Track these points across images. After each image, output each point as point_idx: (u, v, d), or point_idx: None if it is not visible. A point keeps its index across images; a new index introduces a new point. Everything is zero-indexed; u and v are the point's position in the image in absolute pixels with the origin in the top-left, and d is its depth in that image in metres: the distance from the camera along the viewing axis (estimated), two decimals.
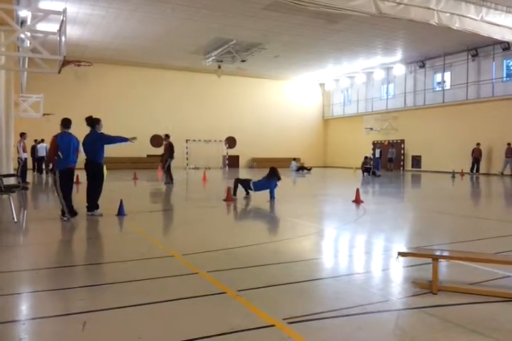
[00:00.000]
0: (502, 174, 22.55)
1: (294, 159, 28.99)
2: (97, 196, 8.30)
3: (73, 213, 7.85)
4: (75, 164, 7.99)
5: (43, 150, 20.90)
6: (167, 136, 16.33)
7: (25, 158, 16.89)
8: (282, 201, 10.53)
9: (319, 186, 18.03)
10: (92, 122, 8.33)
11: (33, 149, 21.85)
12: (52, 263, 4.79)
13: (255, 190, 10.85)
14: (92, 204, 8.19)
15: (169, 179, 15.49)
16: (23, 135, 16.87)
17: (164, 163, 15.82)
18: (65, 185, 7.80)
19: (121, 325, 3.09)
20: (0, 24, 10.80)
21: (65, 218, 7.65)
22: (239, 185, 11.07)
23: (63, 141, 7.75)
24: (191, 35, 22.22)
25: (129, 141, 8.53)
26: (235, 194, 10.85)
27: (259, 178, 11.06)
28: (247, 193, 11.18)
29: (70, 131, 7.99)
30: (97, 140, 8.27)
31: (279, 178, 10.80)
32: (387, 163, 28.69)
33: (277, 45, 23.84)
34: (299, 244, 6.03)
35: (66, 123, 7.95)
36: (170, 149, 15.76)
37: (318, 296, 3.77)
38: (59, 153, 7.66)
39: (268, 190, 10.71)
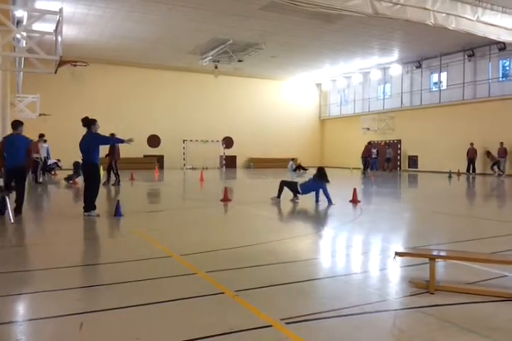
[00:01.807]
0: (499, 175, 22.62)
1: (292, 159, 29.05)
2: (94, 196, 8.26)
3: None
4: (24, 163, 8.12)
5: (43, 151, 20.80)
6: (112, 135, 16.23)
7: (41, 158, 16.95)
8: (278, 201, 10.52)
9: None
10: (88, 123, 8.33)
11: None
12: (50, 264, 4.77)
13: (303, 193, 10.22)
14: (89, 205, 8.16)
15: (117, 180, 15.57)
16: (42, 136, 16.87)
17: (110, 164, 15.80)
18: (10, 183, 7.92)
19: (118, 326, 3.08)
20: None
21: None
22: (285, 188, 10.44)
23: (8, 142, 8.05)
24: (188, 35, 22.20)
25: (125, 143, 8.52)
26: (279, 196, 10.39)
27: (306, 180, 10.57)
28: (295, 196, 10.45)
29: (23, 131, 8.29)
30: (92, 140, 8.27)
31: (327, 180, 10.21)
32: (384, 163, 28.72)
33: (274, 45, 23.84)
34: (297, 244, 6.03)
35: (13, 124, 8.23)
36: (113, 149, 15.75)
37: (316, 296, 3.77)
38: (4, 153, 7.95)
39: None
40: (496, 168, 22.96)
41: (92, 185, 8.28)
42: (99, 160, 8.40)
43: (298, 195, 10.44)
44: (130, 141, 8.51)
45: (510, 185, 17.94)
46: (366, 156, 24.33)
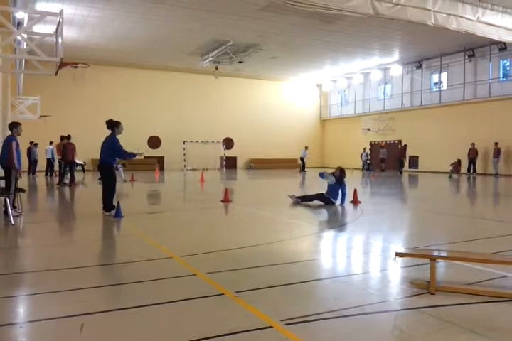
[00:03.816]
0: (495, 175, 22.69)
1: (306, 147, 29.42)
2: (108, 197, 8.37)
3: None
4: (5, 163, 8.26)
5: (49, 152, 20.97)
6: (67, 137, 16.69)
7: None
8: (278, 202, 10.53)
9: (317, 186, 18.00)
10: (112, 125, 8.49)
11: (29, 151, 21.83)
12: (50, 266, 4.77)
13: (335, 199, 9.95)
14: (108, 205, 8.33)
15: (71, 180, 15.92)
16: (63, 139, 17.13)
17: (65, 165, 16.23)
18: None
19: (119, 327, 3.09)
20: None
21: None
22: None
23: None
24: (188, 37, 22.23)
25: (136, 156, 8.64)
26: (301, 199, 10.21)
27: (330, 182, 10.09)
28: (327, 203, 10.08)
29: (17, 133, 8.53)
30: (110, 146, 8.40)
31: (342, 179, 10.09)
32: (379, 163, 28.78)
33: (274, 46, 23.86)
34: (297, 244, 6.03)
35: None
36: (65, 150, 16.22)
37: (317, 297, 3.77)
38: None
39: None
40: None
41: (106, 186, 8.45)
42: (115, 162, 8.56)
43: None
44: (141, 154, 8.63)
45: (509, 185, 17.93)
46: (400, 157, 25.51)
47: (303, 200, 10.27)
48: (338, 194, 10.05)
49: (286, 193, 10.71)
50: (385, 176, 23.41)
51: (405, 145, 26.28)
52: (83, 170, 23.51)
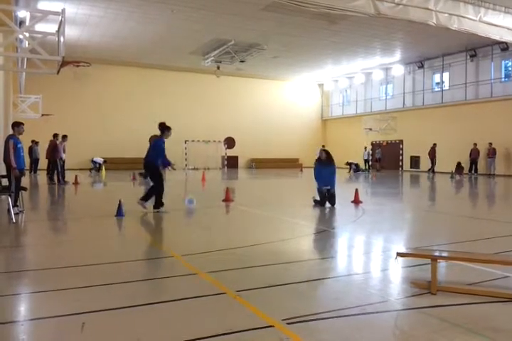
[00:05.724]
0: (489, 175, 22.66)
1: (323, 146, 29.61)
2: (157, 194, 8.79)
3: None
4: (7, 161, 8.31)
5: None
6: (53, 136, 16.87)
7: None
8: (280, 201, 10.52)
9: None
10: (162, 128, 8.99)
11: (30, 150, 21.85)
12: (51, 264, 4.78)
13: (324, 185, 9.20)
14: (156, 203, 8.76)
15: (50, 178, 16.18)
16: (64, 137, 17.22)
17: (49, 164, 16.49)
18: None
19: (120, 326, 3.09)
20: None
21: None
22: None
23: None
24: (190, 36, 22.22)
25: (170, 167, 9.35)
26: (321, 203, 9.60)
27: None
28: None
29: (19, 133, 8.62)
30: (153, 146, 8.97)
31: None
32: (375, 163, 28.78)
33: (276, 45, 23.84)
34: (298, 244, 6.03)
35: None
36: (52, 149, 16.46)
37: (318, 297, 3.77)
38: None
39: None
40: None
41: (154, 184, 8.96)
42: (158, 162, 8.94)
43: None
44: (173, 165, 9.38)
45: (509, 186, 17.92)
46: (432, 158, 25.46)
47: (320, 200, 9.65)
48: (327, 181, 9.26)
49: (289, 194, 10.67)
50: (385, 176, 23.38)
51: (434, 145, 25.57)
52: (98, 169, 23.34)
